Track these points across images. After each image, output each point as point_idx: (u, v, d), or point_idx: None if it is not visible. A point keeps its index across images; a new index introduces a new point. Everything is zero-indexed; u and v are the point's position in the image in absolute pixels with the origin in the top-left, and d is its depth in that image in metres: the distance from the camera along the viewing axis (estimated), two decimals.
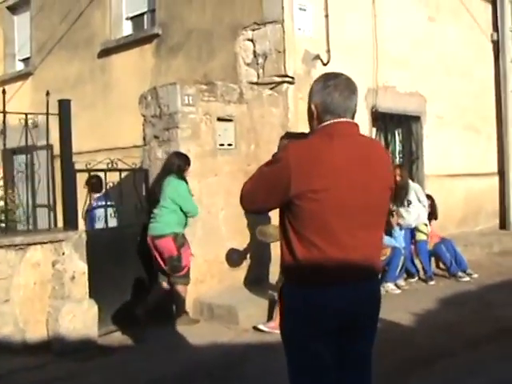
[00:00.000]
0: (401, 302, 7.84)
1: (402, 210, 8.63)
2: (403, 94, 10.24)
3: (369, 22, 9.59)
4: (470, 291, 8.36)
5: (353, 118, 2.78)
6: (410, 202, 8.66)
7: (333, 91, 2.74)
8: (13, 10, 14.03)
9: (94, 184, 7.53)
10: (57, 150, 7.41)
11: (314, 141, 2.75)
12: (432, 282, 8.78)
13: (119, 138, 9.98)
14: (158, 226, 6.71)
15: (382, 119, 9.93)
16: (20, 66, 13.98)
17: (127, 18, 11.20)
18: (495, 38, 12.93)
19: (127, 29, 11.19)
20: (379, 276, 3.08)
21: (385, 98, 9.75)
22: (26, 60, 13.63)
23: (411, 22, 10.51)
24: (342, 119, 2.73)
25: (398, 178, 8.23)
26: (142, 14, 10.95)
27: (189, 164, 6.87)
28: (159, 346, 6.22)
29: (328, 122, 2.74)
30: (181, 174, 6.75)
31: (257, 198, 2.84)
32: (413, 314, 7.14)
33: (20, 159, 7.30)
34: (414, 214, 8.72)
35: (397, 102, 10.07)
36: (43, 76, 12.40)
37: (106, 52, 11.07)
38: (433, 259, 9.45)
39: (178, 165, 6.77)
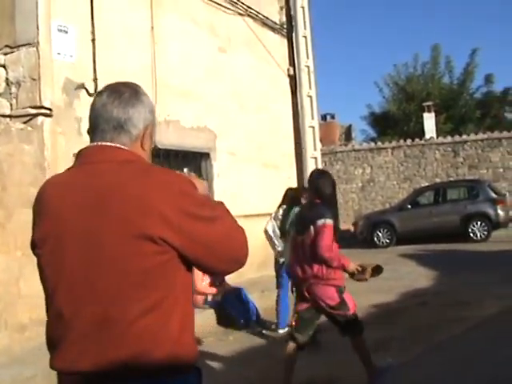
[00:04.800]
0: None
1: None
2: (189, 129, 9.36)
3: (147, 49, 8.66)
4: (261, 346, 7.53)
5: (127, 135, 1.96)
6: None
7: (96, 100, 1.99)
8: None
9: None
10: None
11: (59, 174, 2.04)
12: None
13: None
14: None
15: (164, 157, 8.91)
16: None
17: None
18: (291, 72, 12.56)
19: None
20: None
21: (167, 134, 8.81)
22: None
23: (198, 52, 9.77)
24: (96, 143, 1.95)
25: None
26: None
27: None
28: None
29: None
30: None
31: None
32: None
33: None
34: None
35: (182, 137, 9.15)
36: None
37: None
38: None
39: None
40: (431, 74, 33.49)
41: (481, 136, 24.30)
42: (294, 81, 12.62)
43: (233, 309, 8.27)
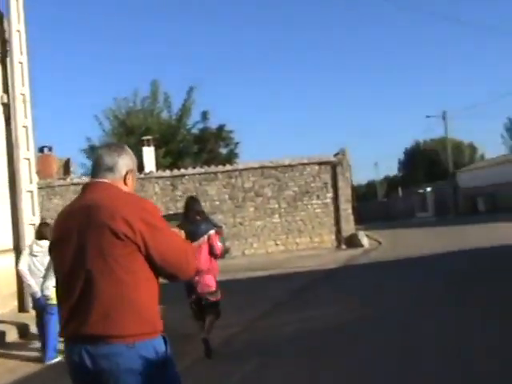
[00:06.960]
0: None
1: None
2: None
3: None
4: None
5: (113, 175, 2.98)
6: None
7: (96, 152, 3.21)
8: None
9: None
10: None
11: (69, 203, 3.12)
12: None
13: None
14: None
15: None
16: None
17: None
18: (5, 100, 11.76)
19: None
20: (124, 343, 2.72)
21: None
22: None
23: None
24: (95, 179, 3.00)
25: None
26: None
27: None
28: None
29: None
30: None
31: None
32: None
33: None
34: None
35: None
36: None
37: None
38: None
39: None
40: (150, 109, 34.15)
41: (198, 170, 25.18)
42: (8, 109, 11.84)
43: None
